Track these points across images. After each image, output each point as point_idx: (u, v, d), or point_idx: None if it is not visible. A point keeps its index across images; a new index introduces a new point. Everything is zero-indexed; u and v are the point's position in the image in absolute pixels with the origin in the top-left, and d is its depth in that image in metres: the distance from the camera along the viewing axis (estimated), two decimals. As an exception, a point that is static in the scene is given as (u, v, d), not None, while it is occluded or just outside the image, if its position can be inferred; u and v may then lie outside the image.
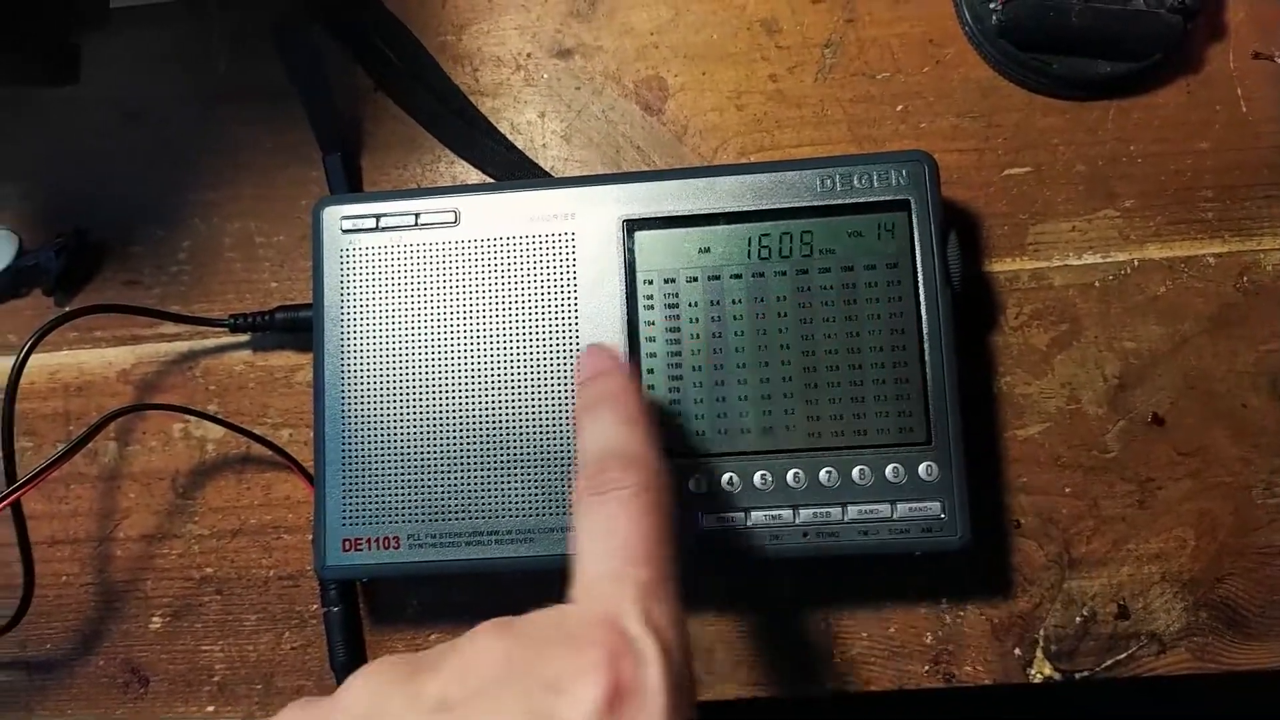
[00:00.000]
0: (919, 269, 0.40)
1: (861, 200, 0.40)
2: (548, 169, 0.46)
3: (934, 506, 0.38)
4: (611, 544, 0.29)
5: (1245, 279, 0.43)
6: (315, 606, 0.44)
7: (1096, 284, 0.43)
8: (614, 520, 0.29)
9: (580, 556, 0.29)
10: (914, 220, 0.40)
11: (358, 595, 0.44)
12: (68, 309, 0.43)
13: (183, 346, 0.46)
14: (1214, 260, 0.43)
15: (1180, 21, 0.42)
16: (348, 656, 0.43)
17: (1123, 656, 0.41)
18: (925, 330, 0.39)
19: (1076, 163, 0.44)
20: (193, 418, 0.45)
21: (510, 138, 0.46)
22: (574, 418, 0.34)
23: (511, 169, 0.45)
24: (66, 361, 0.47)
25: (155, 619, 0.45)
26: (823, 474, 0.39)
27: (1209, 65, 0.44)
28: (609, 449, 0.31)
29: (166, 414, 0.46)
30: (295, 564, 0.45)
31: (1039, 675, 0.41)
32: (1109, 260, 0.43)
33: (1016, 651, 0.42)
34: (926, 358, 0.39)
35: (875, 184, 0.40)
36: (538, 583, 0.42)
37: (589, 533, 0.30)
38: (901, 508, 0.39)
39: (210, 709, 0.44)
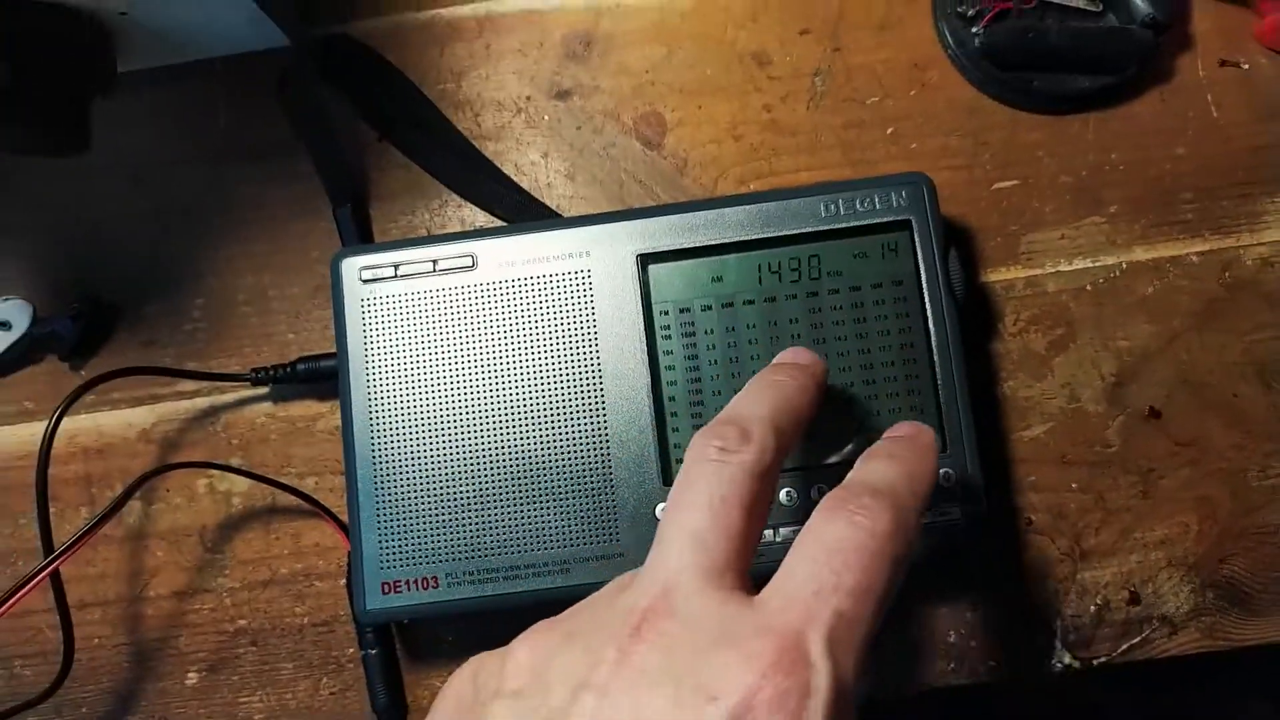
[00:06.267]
0: (924, 285, 0.41)
1: (865, 223, 0.41)
2: (554, 208, 0.47)
3: (953, 512, 0.40)
4: (831, 561, 0.26)
5: (1228, 274, 0.45)
6: (351, 651, 0.45)
7: (1088, 287, 0.45)
8: (845, 541, 0.27)
9: (793, 555, 0.27)
10: (916, 239, 0.41)
11: (394, 636, 0.44)
12: (91, 375, 0.43)
13: (202, 403, 0.47)
14: (1197, 258, 0.45)
15: (1151, 36, 0.44)
16: (389, 698, 0.43)
17: (1137, 640, 0.43)
18: (934, 343, 0.41)
19: (1061, 174, 0.46)
20: (216, 473, 0.46)
21: (515, 179, 0.47)
22: (865, 454, 0.32)
23: (519, 209, 0.46)
24: (85, 425, 0.47)
25: (191, 675, 0.45)
26: (846, 488, 0.40)
27: (1180, 75, 0.46)
28: (883, 485, 0.29)
29: (190, 471, 0.46)
30: (329, 610, 0.45)
31: (1059, 664, 0.43)
32: (1098, 264, 0.45)
33: (1036, 643, 0.43)
34: (937, 369, 0.41)
35: (877, 206, 0.42)
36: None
37: (815, 539, 0.27)
38: (923, 515, 0.40)
39: (253, 760, 0.45)
